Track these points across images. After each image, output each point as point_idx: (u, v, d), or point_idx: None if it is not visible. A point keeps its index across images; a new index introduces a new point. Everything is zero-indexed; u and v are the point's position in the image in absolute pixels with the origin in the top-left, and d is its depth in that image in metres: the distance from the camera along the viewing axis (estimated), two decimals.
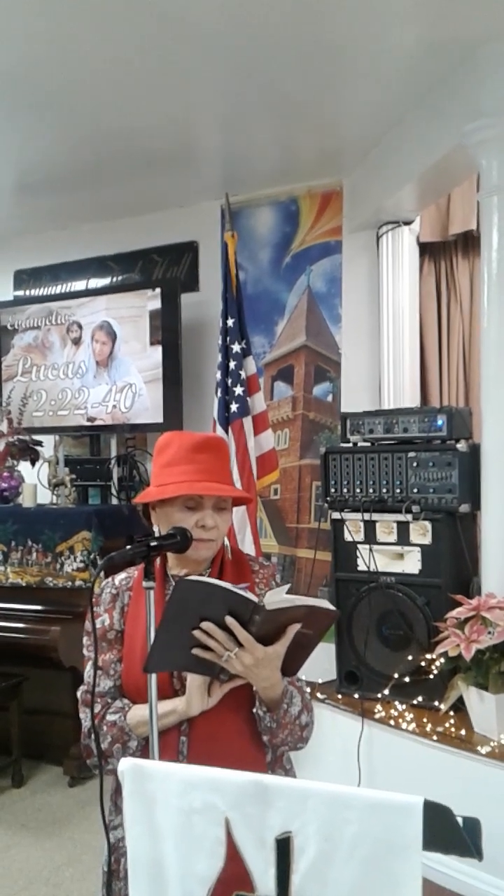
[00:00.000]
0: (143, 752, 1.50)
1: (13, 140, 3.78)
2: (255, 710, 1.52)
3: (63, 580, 3.89)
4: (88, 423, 4.64)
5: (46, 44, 2.90)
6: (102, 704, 1.59)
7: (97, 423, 4.60)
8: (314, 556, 3.86)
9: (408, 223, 3.98)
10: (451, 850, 1.05)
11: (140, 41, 2.88)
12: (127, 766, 1.17)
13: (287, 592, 1.41)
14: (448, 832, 1.04)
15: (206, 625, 1.39)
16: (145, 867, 1.16)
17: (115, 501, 4.53)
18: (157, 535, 1.60)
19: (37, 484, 4.36)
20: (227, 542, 1.70)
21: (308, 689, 1.62)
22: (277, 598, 1.38)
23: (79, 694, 1.64)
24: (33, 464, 4.42)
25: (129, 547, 1.44)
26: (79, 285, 5.06)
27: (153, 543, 1.45)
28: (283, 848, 1.08)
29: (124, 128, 3.64)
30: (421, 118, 3.37)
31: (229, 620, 1.37)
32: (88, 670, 1.62)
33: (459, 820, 1.04)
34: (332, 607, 1.44)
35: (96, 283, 5.01)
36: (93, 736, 1.51)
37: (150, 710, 1.38)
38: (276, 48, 2.93)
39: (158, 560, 1.62)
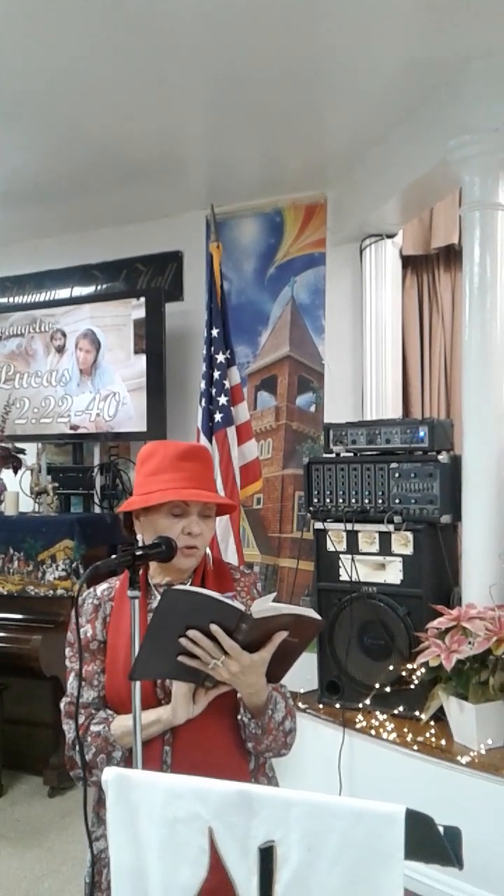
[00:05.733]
0: (128, 762, 1.50)
1: None
2: (239, 717, 1.53)
3: (45, 589, 3.87)
4: (71, 431, 4.62)
5: (31, 53, 2.91)
6: (86, 715, 1.59)
7: (80, 431, 4.59)
8: (296, 566, 3.88)
9: (391, 236, 4.01)
10: (432, 860, 1.06)
11: (126, 53, 2.89)
12: (111, 775, 1.17)
13: (272, 601, 1.43)
14: (429, 841, 1.05)
15: (192, 633, 1.40)
16: (128, 877, 1.17)
17: (97, 510, 4.52)
18: (141, 544, 1.61)
19: (19, 492, 4.34)
20: (208, 551, 1.71)
21: (291, 696, 1.63)
22: (264, 606, 1.40)
23: (62, 705, 1.64)
24: (16, 471, 4.40)
25: (113, 556, 1.45)
26: (63, 293, 5.06)
27: (138, 552, 1.45)
28: (267, 857, 1.09)
29: (109, 138, 3.65)
30: (405, 134, 3.41)
31: (214, 629, 1.38)
32: (72, 681, 1.62)
33: (440, 829, 1.05)
34: (317, 616, 1.46)
35: (80, 291, 5.01)
36: (77, 747, 1.51)
37: (134, 719, 1.39)
38: (262, 62, 2.96)
39: (142, 569, 1.63)
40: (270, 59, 2.93)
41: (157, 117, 3.45)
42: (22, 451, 4.42)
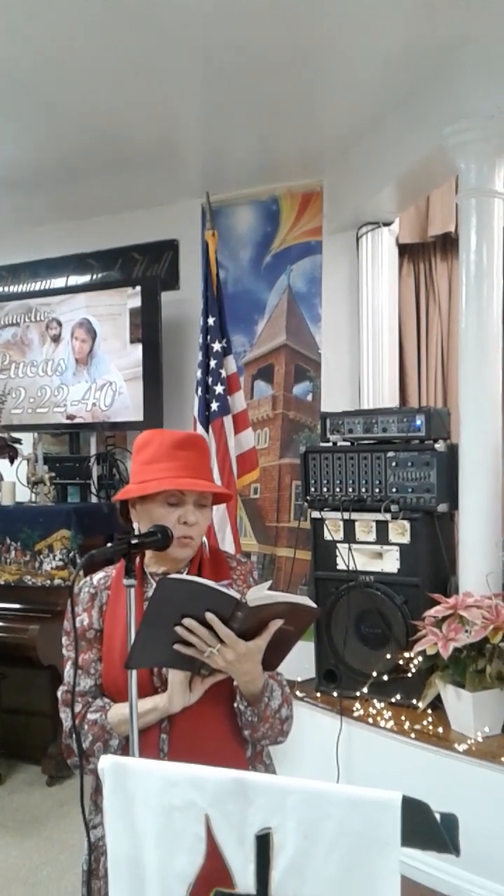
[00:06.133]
0: (124, 750, 1.50)
1: None
2: (236, 705, 1.53)
3: (42, 579, 3.87)
4: (68, 421, 4.62)
5: (27, 41, 2.89)
6: (83, 704, 1.59)
7: (77, 420, 4.58)
8: (294, 555, 3.88)
9: (387, 224, 4.00)
10: (429, 847, 1.06)
11: (122, 40, 2.87)
12: (107, 763, 1.17)
13: (268, 589, 1.43)
14: (426, 828, 1.05)
15: (188, 621, 1.39)
16: (125, 864, 1.17)
17: (94, 500, 4.52)
18: (137, 533, 1.60)
19: (15, 482, 4.33)
20: (205, 540, 1.71)
21: (287, 684, 1.63)
22: (259, 594, 1.40)
23: (59, 694, 1.64)
24: (12, 461, 4.39)
25: (109, 545, 1.44)
26: (58, 282, 5.04)
27: (134, 541, 1.45)
28: (263, 844, 1.09)
29: (105, 126, 3.63)
30: (400, 120, 3.39)
31: (210, 617, 1.38)
32: (68, 670, 1.62)
33: (437, 816, 1.05)
34: (313, 605, 1.46)
35: (76, 280, 4.99)
36: (73, 735, 1.51)
37: (130, 707, 1.39)
38: (257, 49, 2.94)
39: (138, 558, 1.62)
40: (266, 46, 2.91)
41: (152, 105, 3.43)
42: (18, 441, 4.41)
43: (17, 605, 3.88)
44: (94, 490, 4.53)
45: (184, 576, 1.50)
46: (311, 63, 3.05)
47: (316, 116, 3.55)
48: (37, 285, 5.13)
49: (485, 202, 2.97)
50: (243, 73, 3.12)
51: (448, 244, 4.10)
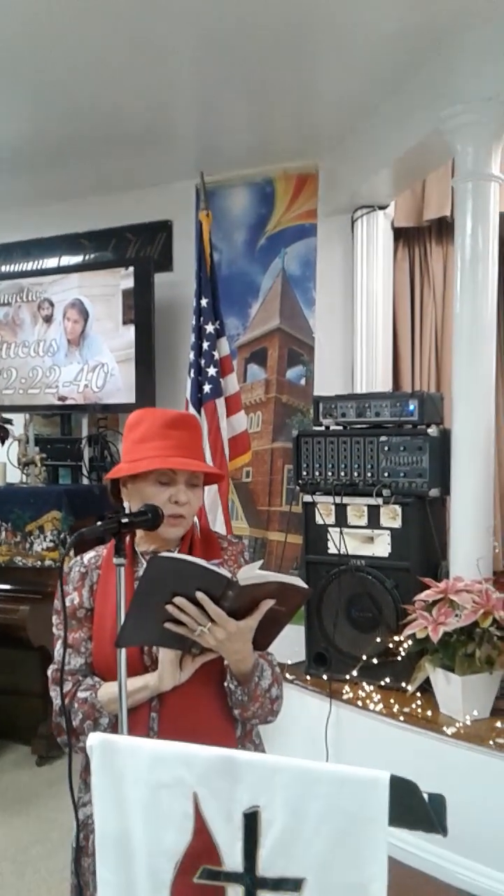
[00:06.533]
0: (114, 728, 1.50)
1: None
2: (226, 684, 1.53)
3: (32, 560, 3.87)
4: (59, 403, 4.59)
5: (18, 19, 2.84)
6: (73, 682, 1.59)
7: (68, 402, 4.56)
8: (285, 539, 3.88)
9: (383, 208, 3.97)
10: (416, 826, 1.07)
11: (115, 18, 2.83)
12: (96, 740, 1.17)
13: (259, 569, 1.42)
14: (414, 808, 1.05)
15: (178, 600, 1.39)
16: (113, 842, 1.17)
17: (85, 482, 4.51)
18: (127, 511, 1.60)
19: (6, 462, 4.32)
20: (196, 520, 1.70)
21: (278, 664, 1.63)
22: (251, 573, 1.39)
23: (49, 672, 1.64)
24: (2, 442, 4.37)
25: (99, 523, 1.43)
26: (51, 262, 4.99)
27: (124, 520, 1.44)
28: (251, 822, 1.09)
29: (98, 105, 3.58)
30: (397, 103, 3.37)
31: (200, 596, 1.38)
32: (58, 648, 1.62)
33: (425, 796, 1.06)
34: (304, 585, 1.45)
35: (68, 260, 4.95)
36: (63, 714, 1.50)
37: (120, 686, 1.38)
38: (253, 29, 2.90)
39: (128, 537, 1.62)
40: (262, 25, 2.88)
41: (146, 84, 3.38)
42: (9, 422, 4.39)
43: (7, 586, 3.88)
44: (85, 472, 4.52)
45: (175, 554, 1.49)
46: (308, 43, 3.01)
47: (312, 97, 3.52)
48: (29, 265, 5.08)
49: (481, 186, 2.95)
50: (239, 52, 3.08)
51: (443, 228, 4.08)
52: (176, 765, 1.12)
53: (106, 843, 1.17)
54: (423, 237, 4.16)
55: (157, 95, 3.51)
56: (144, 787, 1.14)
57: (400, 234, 4.15)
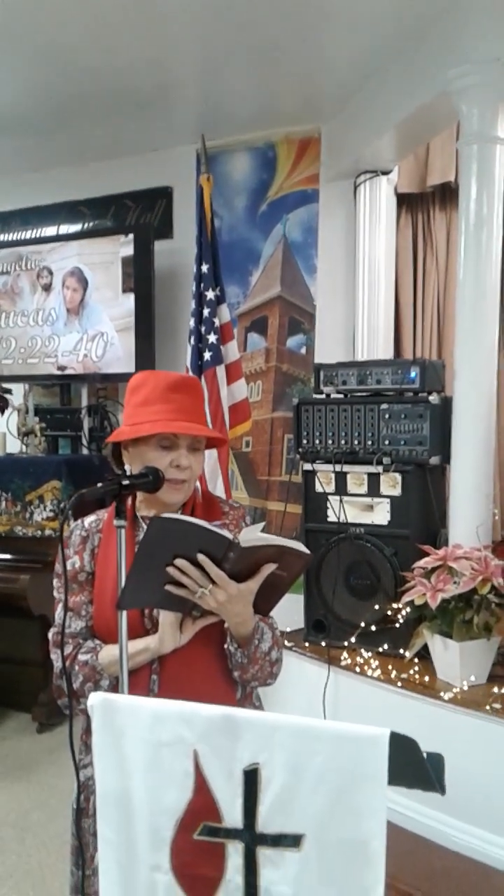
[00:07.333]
0: (115, 691, 1.50)
1: None
2: (226, 646, 1.53)
3: (32, 529, 3.87)
4: (59, 372, 4.57)
5: None
6: (74, 645, 1.59)
7: (68, 372, 4.53)
8: (284, 509, 3.88)
9: (386, 173, 3.92)
10: (415, 784, 1.07)
11: None
12: (96, 700, 1.17)
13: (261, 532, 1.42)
14: (413, 765, 1.05)
15: (179, 562, 1.38)
16: (113, 800, 1.17)
17: (85, 451, 4.50)
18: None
19: (6, 433, 4.31)
20: (198, 485, 1.69)
21: (278, 628, 1.63)
22: (252, 535, 1.38)
23: (50, 635, 1.64)
24: (2, 412, 4.36)
25: (100, 484, 1.42)
26: (50, 230, 4.94)
27: (125, 482, 1.43)
28: (251, 779, 1.09)
29: (98, 68, 3.52)
30: (402, 65, 3.30)
31: (201, 558, 1.37)
32: (59, 612, 1.62)
33: (424, 755, 1.06)
34: (305, 550, 1.45)
35: (67, 228, 4.89)
36: (64, 676, 1.51)
37: (120, 648, 1.38)
38: None
39: (129, 500, 1.61)
40: None
41: (146, 46, 3.32)
42: (9, 392, 4.37)
43: (7, 556, 3.89)
44: (85, 442, 4.51)
45: (176, 515, 1.48)
46: (312, 4, 2.95)
47: (316, 59, 3.45)
48: (28, 233, 5.03)
49: (486, 148, 2.90)
50: (242, 14, 3.02)
51: (447, 195, 4.03)
52: (176, 723, 1.12)
53: (107, 802, 1.18)
54: (427, 203, 4.12)
55: (158, 58, 3.44)
56: (145, 745, 1.14)
57: (403, 201, 4.11)
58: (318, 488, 3.32)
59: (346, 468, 3.24)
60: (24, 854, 2.89)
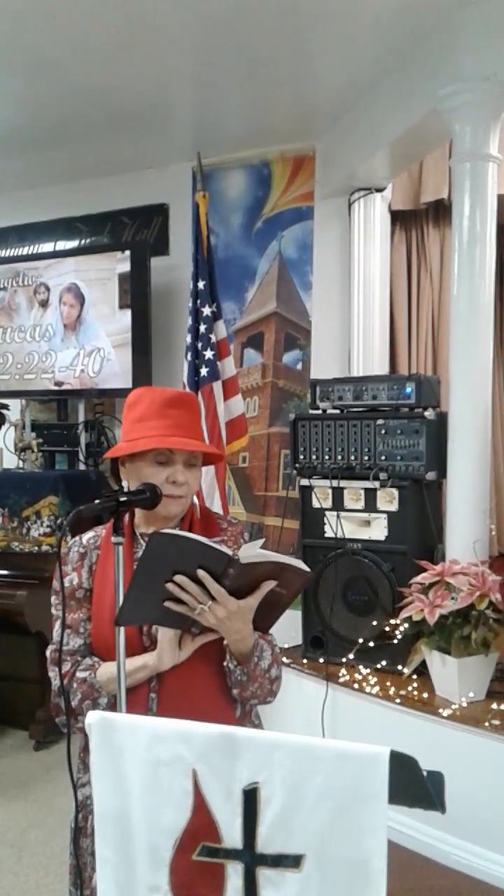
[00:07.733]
0: (113, 709, 1.50)
1: None
2: (225, 664, 1.53)
3: (29, 545, 3.86)
4: (56, 388, 4.57)
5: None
6: (72, 662, 1.58)
7: (65, 387, 4.54)
8: (282, 524, 3.88)
9: (380, 190, 3.95)
10: (415, 804, 1.06)
11: None
12: (94, 718, 1.17)
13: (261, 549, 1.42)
14: (413, 784, 1.05)
15: (179, 578, 1.38)
16: (112, 820, 1.17)
17: (82, 467, 4.50)
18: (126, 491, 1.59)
19: (2, 448, 4.31)
20: (195, 500, 1.69)
21: (277, 645, 1.63)
22: (252, 552, 1.38)
23: (48, 653, 1.64)
24: None
25: (97, 501, 1.42)
26: (46, 246, 4.96)
27: (122, 498, 1.43)
28: (250, 799, 1.09)
29: (95, 86, 3.55)
30: (395, 83, 3.34)
31: (201, 574, 1.37)
32: (57, 629, 1.61)
33: (424, 773, 1.05)
34: (305, 568, 1.45)
35: (64, 244, 4.91)
36: (62, 694, 1.50)
37: (118, 665, 1.38)
38: (250, 9, 2.87)
39: (127, 517, 1.61)
40: (259, 5, 2.84)
41: (142, 65, 3.35)
42: (5, 407, 4.37)
43: (4, 572, 3.87)
44: (82, 457, 4.50)
45: (175, 531, 1.48)
46: (304, 24, 2.98)
47: (309, 77, 3.48)
48: (24, 249, 5.05)
49: (479, 166, 2.93)
50: (236, 32, 3.05)
51: (440, 212, 4.06)
52: (175, 742, 1.12)
53: (105, 821, 1.17)
54: (420, 220, 4.15)
55: (154, 76, 3.47)
56: (143, 764, 1.13)
57: (397, 218, 4.13)
58: (315, 504, 3.32)
59: (342, 483, 3.24)
60: (22, 874, 2.86)
